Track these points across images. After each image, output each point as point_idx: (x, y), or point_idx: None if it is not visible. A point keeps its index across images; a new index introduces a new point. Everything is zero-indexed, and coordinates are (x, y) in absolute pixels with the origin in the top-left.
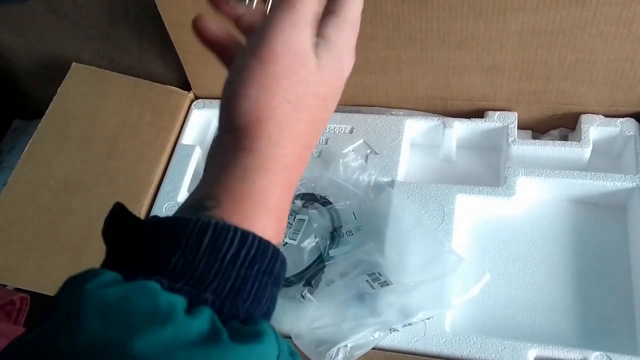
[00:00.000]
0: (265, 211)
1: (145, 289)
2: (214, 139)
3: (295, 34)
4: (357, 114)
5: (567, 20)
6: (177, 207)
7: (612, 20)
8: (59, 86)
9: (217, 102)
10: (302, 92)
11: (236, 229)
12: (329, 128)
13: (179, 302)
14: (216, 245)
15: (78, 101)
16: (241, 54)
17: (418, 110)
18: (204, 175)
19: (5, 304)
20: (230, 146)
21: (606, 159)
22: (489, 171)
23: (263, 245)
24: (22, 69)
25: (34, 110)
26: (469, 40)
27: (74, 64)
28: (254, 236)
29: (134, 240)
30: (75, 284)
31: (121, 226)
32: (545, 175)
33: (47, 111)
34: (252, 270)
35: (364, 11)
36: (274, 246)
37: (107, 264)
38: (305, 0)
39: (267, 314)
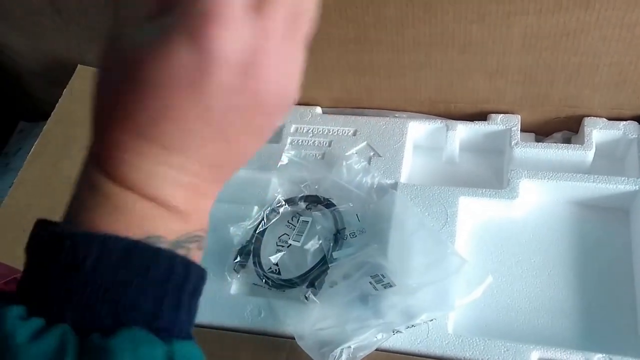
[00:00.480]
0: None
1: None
2: None
3: None
4: (361, 117)
5: (570, 24)
6: None
7: (615, 23)
8: (64, 88)
9: None
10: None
11: (72, 234)
12: (332, 131)
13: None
14: (52, 255)
15: (83, 102)
16: None
17: (421, 113)
18: None
19: (9, 281)
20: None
21: (609, 161)
22: (492, 174)
23: (97, 243)
24: (27, 71)
25: (39, 112)
26: (473, 44)
27: (79, 65)
28: (91, 236)
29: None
30: None
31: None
32: (548, 178)
33: (53, 113)
34: (95, 273)
35: (367, 15)
36: (111, 239)
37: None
38: None
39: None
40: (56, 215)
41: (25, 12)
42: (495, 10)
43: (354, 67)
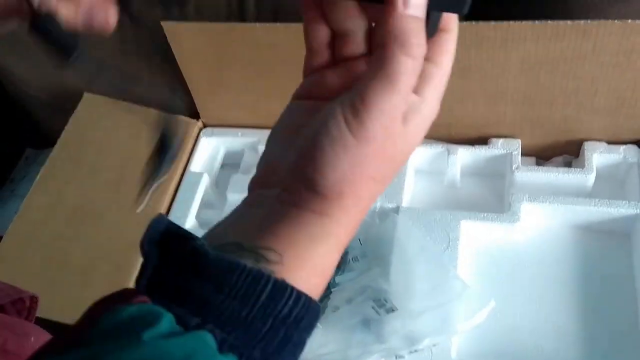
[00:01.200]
0: (321, 275)
1: (204, 349)
2: (267, 187)
3: (394, 116)
4: None
5: (568, 50)
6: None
7: (612, 50)
8: (70, 116)
9: (225, 130)
10: (388, 168)
11: (293, 289)
12: None
13: None
14: (272, 303)
15: (89, 130)
16: (333, 115)
17: None
18: (246, 217)
19: (16, 301)
20: (301, 204)
21: (610, 185)
22: (493, 197)
23: (312, 306)
24: (34, 99)
25: (45, 140)
26: (472, 68)
27: (85, 93)
28: (307, 298)
29: (182, 266)
30: (127, 327)
31: (168, 243)
32: (550, 202)
33: (59, 140)
34: (298, 329)
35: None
36: (318, 305)
37: (147, 286)
38: (407, 75)
39: None
40: (61, 240)
41: (33, 41)
42: (493, 36)
43: None
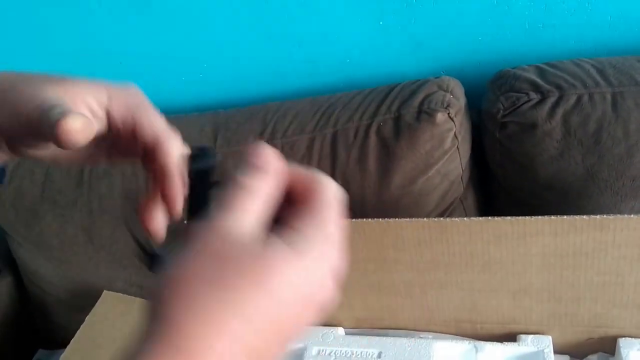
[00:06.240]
0: None
1: None
2: None
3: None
4: (385, 337)
5: (588, 244)
6: None
7: (633, 243)
8: (86, 314)
9: None
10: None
11: None
12: (355, 353)
13: None
14: None
15: (104, 328)
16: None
17: (447, 333)
18: None
19: None
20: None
21: None
22: None
23: None
24: (53, 298)
25: (58, 340)
26: (492, 263)
27: (104, 291)
28: None
29: None
30: None
31: None
32: None
33: (72, 339)
34: None
35: (386, 236)
36: None
37: None
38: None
39: None
40: None
41: (60, 242)
42: (510, 231)
43: (374, 286)
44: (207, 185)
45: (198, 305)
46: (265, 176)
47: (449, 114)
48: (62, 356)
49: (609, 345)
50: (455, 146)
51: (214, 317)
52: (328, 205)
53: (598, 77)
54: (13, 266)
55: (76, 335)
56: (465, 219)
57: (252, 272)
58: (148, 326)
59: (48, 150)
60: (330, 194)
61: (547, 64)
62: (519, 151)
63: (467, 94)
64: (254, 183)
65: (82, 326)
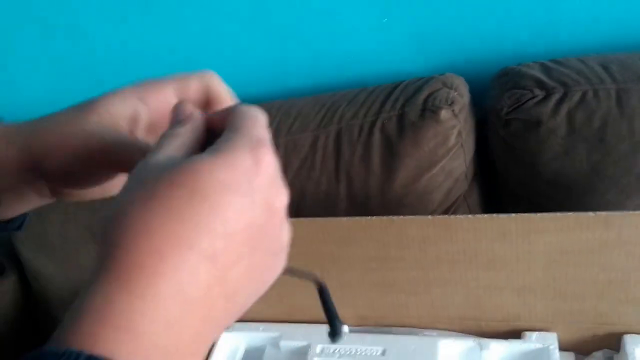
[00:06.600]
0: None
1: None
2: None
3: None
4: (389, 335)
5: (593, 241)
6: None
7: (638, 240)
8: None
9: (245, 325)
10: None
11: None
12: (360, 350)
13: None
14: None
15: None
16: None
17: (452, 330)
18: None
19: None
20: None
21: None
22: None
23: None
24: (57, 297)
25: None
26: (497, 260)
27: None
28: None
29: None
30: None
31: None
32: None
33: None
34: None
35: (390, 234)
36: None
37: None
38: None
39: None
40: None
41: (63, 241)
42: (515, 229)
43: (378, 284)
44: None
45: (137, 226)
46: (184, 122)
47: (453, 111)
48: None
49: (615, 342)
50: (460, 143)
51: (155, 230)
52: (242, 116)
53: (603, 74)
54: (17, 265)
55: None
56: (469, 216)
57: (178, 180)
58: (96, 266)
59: (97, 186)
60: (244, 109)
61: (551, 60)
62: (523, 148)
63: (471, 91)
64: (175, 130)
65: None
